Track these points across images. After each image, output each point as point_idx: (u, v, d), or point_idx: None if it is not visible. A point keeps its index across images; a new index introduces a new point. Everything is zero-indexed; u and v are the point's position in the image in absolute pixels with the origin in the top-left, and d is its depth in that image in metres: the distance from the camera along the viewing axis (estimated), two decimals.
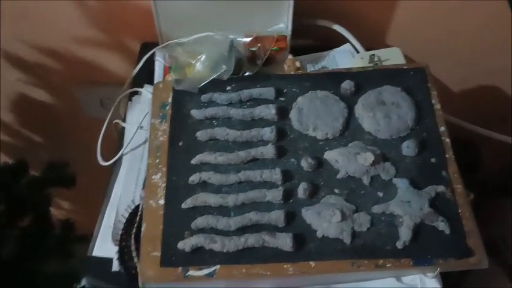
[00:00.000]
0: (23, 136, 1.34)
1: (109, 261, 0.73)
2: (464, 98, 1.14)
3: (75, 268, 1.08)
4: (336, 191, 0.69)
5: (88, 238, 0.78)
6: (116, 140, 0.90)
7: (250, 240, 0.64)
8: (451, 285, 0.71)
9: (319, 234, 0.66)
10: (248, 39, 0.83)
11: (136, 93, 0.92)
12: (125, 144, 0.85)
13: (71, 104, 1.25)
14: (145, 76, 0.93)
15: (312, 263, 0.64)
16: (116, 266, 0.72)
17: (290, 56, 0.86)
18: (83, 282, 1.07)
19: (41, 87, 1.20)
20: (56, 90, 1.21)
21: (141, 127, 0.86)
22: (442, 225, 0.65)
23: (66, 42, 1.07)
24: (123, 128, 0.89)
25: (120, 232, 0.74)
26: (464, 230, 0.65)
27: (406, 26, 1.00)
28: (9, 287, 1.05)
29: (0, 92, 1.20)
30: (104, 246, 0.75)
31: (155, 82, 0.87)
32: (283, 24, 0.86)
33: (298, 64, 0.84)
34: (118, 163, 0.85)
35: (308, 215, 0.67)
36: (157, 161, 0.73)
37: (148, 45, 0.96)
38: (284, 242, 0.64)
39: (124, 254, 0.72)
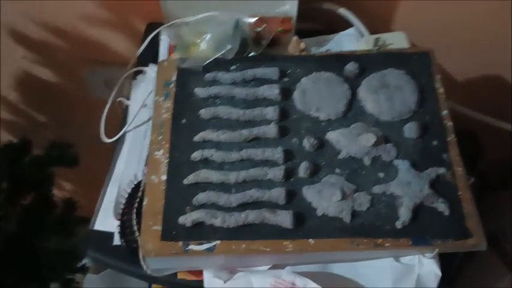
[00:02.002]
0: (27, 115, 1.35)
1: (110, 235, 0.74)
2: (468, 87, 1.14)
3: (77, 246, 1.09)
4: (337, 170, 0.70)
5: (89, 220, 0.79)
6: (119, 120, 0.90)
7: (251, 216, 0.65)
8: (451, 275, 0.71)
9: (319, 213, 0.66)
10: (253, 20, 0.82)
11: (140, 72, 0.93)
12: (129, 121, 0.86)
13: (75, 84, 1.25)
14: (150, 56, 0.93)
15: (311, 241, 0.64)
16: (117, 240, 0.73)
17: (295, 37, 0.86)
18: (84, 260, 1.09)
19: (46, 66, 1.20)
20: (61, 69, 1.22)
21: (145, 105, 0.86)
22: (441, 206, 0.65)
23: (73, 21, 1.07)
24: (127, 107, 0.90)
25: (121, 206, 0.74)
26: (464, 211, 0.66)
27: (412, 11, 0.99)
28: (11, 263, 1.06)
29: (3, 70, 1.20)
30: (106, 221, 0.76)
31: (160, 60, 0.87)
32: (289, 6, 0.86)
33: (303, 45, 0.84)
34: (121, 141, 0.86)
35: (309, 193, 0.67)
36: (160, 137, 0.73)
37: (154, 26, 0.96)
38: (284, 219, 0.64)
39: (125, 228, 0.72)
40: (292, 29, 0.87)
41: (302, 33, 0.90)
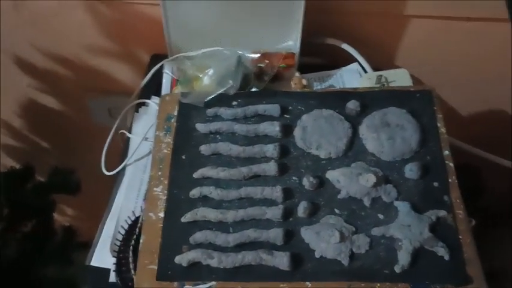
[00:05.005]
0: (31, 141, 1.35)
1: (106, 271, 0.74)
2: (470, 122, 1.13)
3: (74, 276, 1.09)
4: (336, 211, 0.69)
5: (89, 245, 0.78)
6: (121, 150, 0.90)
7: (248, 257, 0.64)
8: None
9: (317, 255, 0.65)
10: (256, 56, 0.83)
11: (143, 104, 0.93)
12: (129, 154, 0.86)
13: (79, 112, 1.26)
14: (154, 87, 0.94)
15: (308, 284, 0.63)
16: (113, 277, 0.72)
17: (297, 74, 0.86)
18: None
19: (50, 93, 1.21)
20: (65, 97, 1.23)
21: (146, 138, 0.86)
22: (441, 250, 0.64)
23: (78, 50, 1.09)
24: (129, 139, 0.90)
25: (118, 243, 0.74)
26: (464, 257, 0.64)
27: (415, 47, 1.00)
28: None
29: (8, 96, 1.21)
30: (103, 256, 0.76)
31: (162, 94, 0.87)
32: (292, 42, 0.87)
33: (304, 82, 0.84)
34: (121, 173, 0.86)
35: (307, 234, 0.67)
36: (159, 173, 0.73)
37: (158, 57, 0.97)
38: (281, 261, 0.64)
39: (121, 265, 0.71)
40: (295, 64, 0.87)
41: (305, 67, 0.91)
